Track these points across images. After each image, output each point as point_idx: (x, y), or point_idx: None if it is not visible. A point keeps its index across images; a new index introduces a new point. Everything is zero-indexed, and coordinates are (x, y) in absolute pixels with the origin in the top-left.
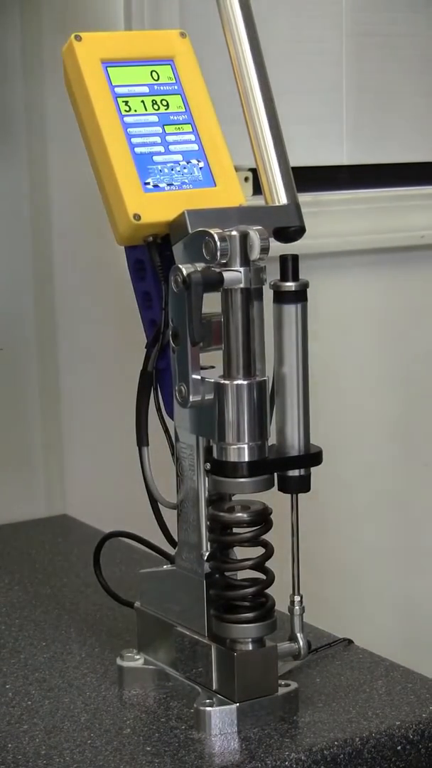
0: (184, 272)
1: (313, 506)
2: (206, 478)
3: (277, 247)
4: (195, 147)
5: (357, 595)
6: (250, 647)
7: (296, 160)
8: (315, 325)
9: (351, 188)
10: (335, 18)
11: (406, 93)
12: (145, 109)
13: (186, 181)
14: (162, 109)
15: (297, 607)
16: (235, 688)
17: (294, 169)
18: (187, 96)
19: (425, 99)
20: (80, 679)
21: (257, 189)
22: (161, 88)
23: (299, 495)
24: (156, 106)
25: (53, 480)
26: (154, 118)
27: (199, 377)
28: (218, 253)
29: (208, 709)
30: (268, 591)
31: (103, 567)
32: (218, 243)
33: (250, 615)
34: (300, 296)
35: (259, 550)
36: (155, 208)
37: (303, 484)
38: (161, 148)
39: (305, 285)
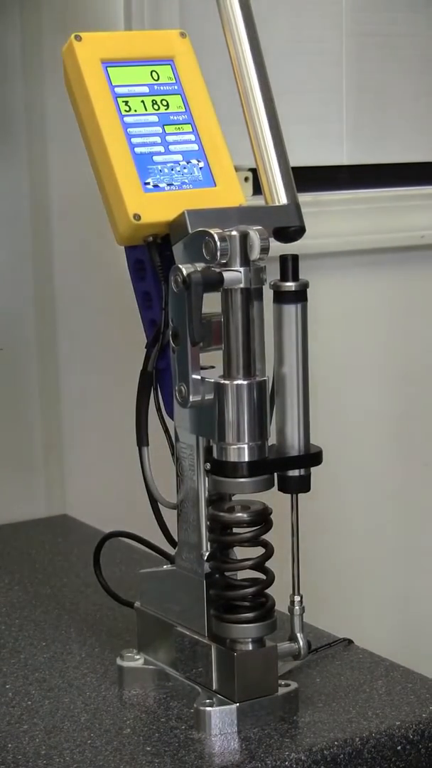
0: (184, 272)
1: (313, 506)
2: (206, 478)
3: (277, 247)
4: (195, 147)
5: (357, 595)
6: (250, 647)
7: (296, 160)
8: (315, 325)
9: (351, 188)
10: (335, 18)
11: (406, 93)
12: (145, 109)
13: (186, 181)
14: (162, 109)
15: (297, 607)
16: (235, 688)
17: (294, 169)
18: (187, 96)
19: (425, 99)
20: (80, 679)
21: (257, 189)
22: (161, 88)
23: (299, 495)
24: (156, 106)
25: (53, 480)
26: (154, 118)
27: (199, 377)
28: (218, 253)
29: (208, 709)
30: (268, 591)
31: (103, 567)
32: (218, 243)
33: (250, 615)
34: (300, 296)
35: (259, 550)
36: (155, 208)
37: (303, 484)
38: (161, 148)
39: (305, 285)
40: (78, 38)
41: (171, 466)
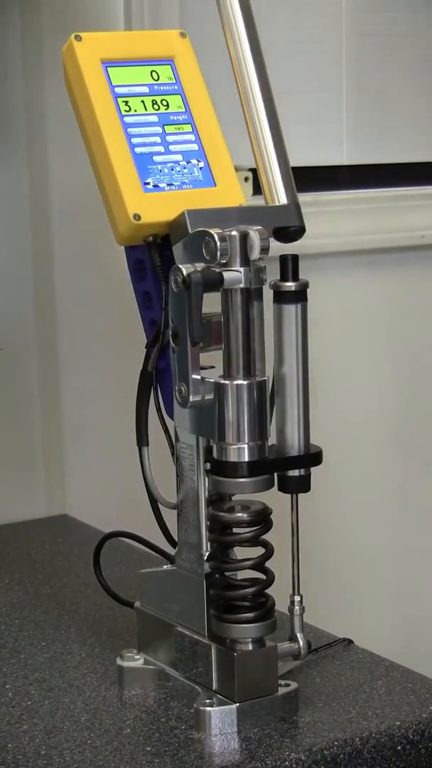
0: (184, 272)
1: (313, 506)
2: (206, 478)
3: (277, 247)
4: (195, 147)
5: (357, 595)
6: (250, 647)
7: (296, 160)
8: (315, 325)
9: (351, 188)
10: (335, 18)
11: (406, 93)
12: (145, 109)
13: (186, 181)
14: (162, 109)
15: (297, 607)
16: (235, 688)
17: (294, 169)
18: (187, 96)
19: (425, 99)
20: (80, 679)
21: (257, 189)
22: (161, 88)
23: (299, 495)
24: (156, 106)
25: (53, 480)
26: (154, 118)
27: (199, 377)
28: (218, 253)
29: (208, 709)
30: (268, 591)
31: (103, 567)
32: (218, 243)
33: (250, 615)
34: (300, 296)
35: (259, 550)
36: (155, 208)
37: (303, 484)
38: (161, 148)
39: (305, 285)
40: (78, 38)
41: (171, 466)
